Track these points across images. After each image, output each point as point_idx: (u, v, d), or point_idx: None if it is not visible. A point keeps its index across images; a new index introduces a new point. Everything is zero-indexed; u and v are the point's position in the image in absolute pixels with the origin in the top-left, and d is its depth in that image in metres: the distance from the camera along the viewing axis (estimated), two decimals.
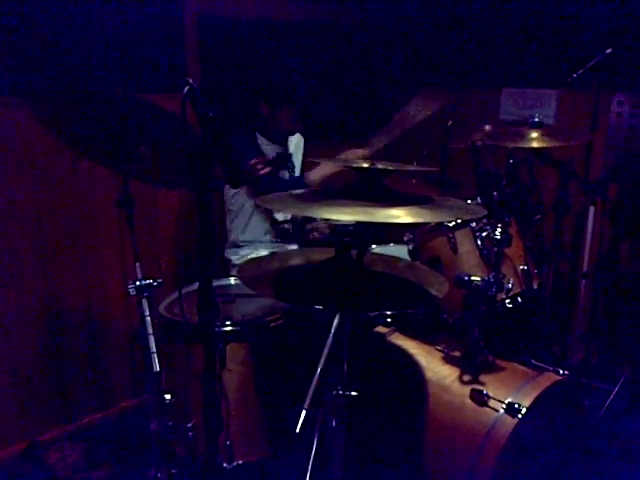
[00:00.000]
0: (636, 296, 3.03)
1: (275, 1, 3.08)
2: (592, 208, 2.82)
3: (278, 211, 2.50)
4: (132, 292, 1.80)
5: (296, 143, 2.76)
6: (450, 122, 2.87)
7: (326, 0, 3.32)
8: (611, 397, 2.78)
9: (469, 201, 2.15)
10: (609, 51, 2.35)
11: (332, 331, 1.36)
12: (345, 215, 1.50)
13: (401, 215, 1.44)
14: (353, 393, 1.51)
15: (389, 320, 2.23)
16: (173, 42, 2.70)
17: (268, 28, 3.05)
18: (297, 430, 1.22)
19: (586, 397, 2.84)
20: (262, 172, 2.33)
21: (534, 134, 2.33)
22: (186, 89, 1.14)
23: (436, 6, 3.55)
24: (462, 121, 2.79)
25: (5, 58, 2.22)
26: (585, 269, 2.91)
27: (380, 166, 1.51)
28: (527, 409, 1.73)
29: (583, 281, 2.94)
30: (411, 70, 3.77)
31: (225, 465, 2.03)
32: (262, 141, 2.59)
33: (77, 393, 2.71)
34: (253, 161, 2.34)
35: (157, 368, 1.82)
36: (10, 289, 2.42)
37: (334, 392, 1.49)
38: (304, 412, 1.24)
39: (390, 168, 1.52)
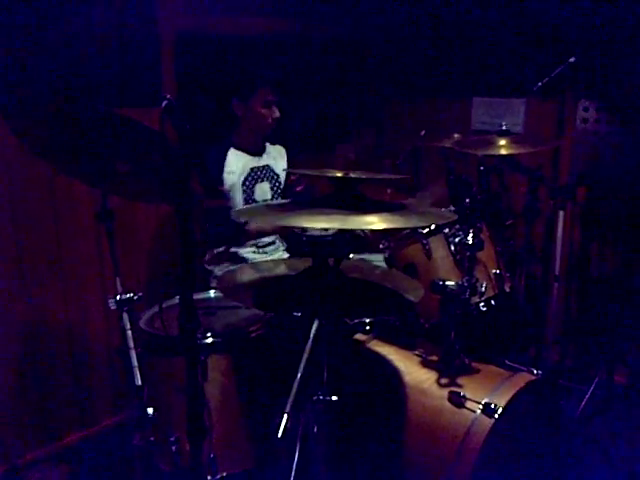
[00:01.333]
0: (607, 297, 3.11)
1: (250, 18, 3.13)
2: (562, 212, 2.90)
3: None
4: (112, 306, 1.81)
5: (278, 153, 2.78)
6: (423, 132, 2.95)
7: (300, 15, 3.37)
8: (586, 398, 2.85)
9: (443, 209, 2.21)
10: (572, 60, 2.44)
11: (311, 337, 1.39)
12: (322, 223, 1.54)
13: (375, 222, 1.49)
14: (333, 398, 1.54)
15: (367, 327, 2.27)
16: (150, 58, 2.73)
17: (243, 44, 3.10)
18: (279, 435, 1.24)
19: (562, 398, 2.91)
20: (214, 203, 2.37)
21: (502, 142, 2.40)
22: (164, 104, 1.17)
23: (408, 20, 3.64)
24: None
25: None
26: (557, 272, 2.98)
27: (353, 175, 1.56)
28: (503, 409, 1.78)
29: (555, 284, 3.01)
30: (385, 81, 3.84)
31: (209, 478, 2.04)
32: (236, 154, 2.60)
33: (58, 413, 2.68)
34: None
35: (139, 382, 1.83)
36: None
37: (315, 397, 1.51)
38: (286, 416, 1.26)
39: (363, 176, 1.57)
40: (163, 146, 1.20)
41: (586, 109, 2.79)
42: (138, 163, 1.73)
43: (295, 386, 1.32)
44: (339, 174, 1.56)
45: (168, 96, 1.18)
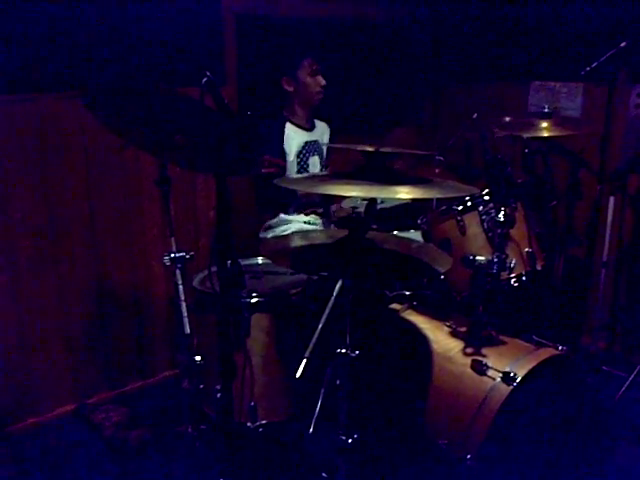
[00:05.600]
0: None
1: (310, 1, 3.28)
2: (612, 198, 2.90)
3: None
4: (167, 263, 2.03)
5: (322, 131, 2.94)
6: (475, 115, 3.00)
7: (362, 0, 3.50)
8: (626, 384, 2.85)
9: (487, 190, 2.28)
10: (624, 44, 2.43)
11: (334, 294, 1.53)
12: (354, 192, 1.68)
13: (401, 192, 1.62)
14: (355, 353, 1.68)
15: (405, 297, 2.39)
16: (213, 39, 2.94)
17: (301, 25, 3.25)
18: (297, 376, 1.40)
19: (604, 384, 2.92)
20: (264, 170, 2.53)
21: (544, 124, 2.44)
22: (204, 80, 1.33)
23: (465, 3, 3.67)
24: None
25: (59, 57, 2.49)
26: (605, 258, 2.98)
27: (384, 149, 1.69)
28: (522, 378, 1.87)
29: (603, 270, 3.01)
30: (441, 66, 3.90)
31: (249, 424, 2.24)
32: (293, 129, 2.79)
33: (122, 362, 2.97)
34: (267, 157, 2.54)
35: (188, 330, 2.04)
36: (64, 264, 2.69)
37: (338, 351, 1.67)
38: (305, 360, 1.42)
39: (393, 151, 1.69)
40: (203, 117, 1.37)
41: None
42: (193, 136, 1.91)
43: (315, 335, 1.48)
44: (370, 148, 1.69)
45: (208, 73, 1.35)
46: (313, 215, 2.81)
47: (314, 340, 1.46)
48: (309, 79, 2.71)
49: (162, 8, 2.73)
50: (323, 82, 2.72)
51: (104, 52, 2.60)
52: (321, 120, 2.96)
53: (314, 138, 2.86)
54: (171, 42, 2.78)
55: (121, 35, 2.63)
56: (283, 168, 2.69)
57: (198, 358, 2.09)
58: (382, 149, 1.67)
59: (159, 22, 2.73)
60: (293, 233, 2.20)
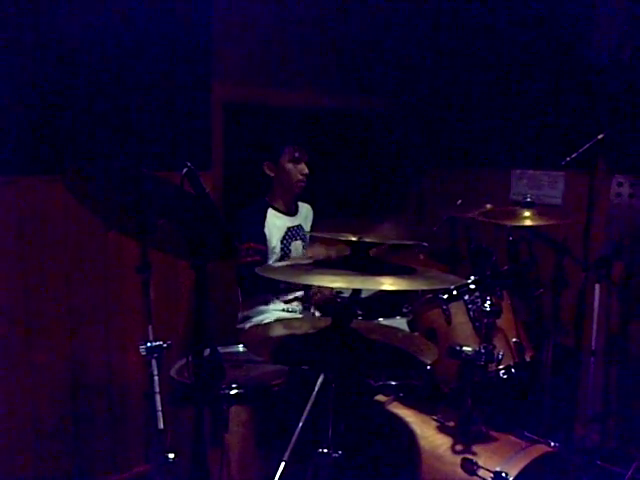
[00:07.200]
0: None
1: (297, 91, 3.38)
2: (597, 286, 2.88)
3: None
4: (143, 352, 1.94)
5: (305, 214, 2.92)
6: (459, 201, 3.03)
7: (345, 90, 3.61)
8: None
9: (472, 277, 2.26)
10: (601, 136, 2.49)
11: (315, 389, 1.46)
12: (337, 282, 1.64)
13: (385, 283, 1.58)
14: (338, 453, 1.58)
15: (391, 388, 2.30)
16: (200, 126, 2.98)
17: (288, 112, 3.33)
18: None
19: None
20: (249, 259, 2.48)
21: (527, 213, 2.46)
22: (185, 170, 1.32)
23: (448, 91, 3.81)
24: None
25: (41, 139, 2.49)
26: (594, 347, 2.93)
27: (367, 239, 1.66)
28: (514, 478, 1.77)
29: (592, 359, 2.95)
30: (423, 152, 3.99)
31: None
32: (275, 214, 2.76)
33: (91, 456, 2.79)
34: (251, 245, 2.51)
35: (161, 425, 1.92)
36: (37, 350, 2.58)
37: (319, 451, 1.57)
38: (283, 464, 1.33)
39: (376, 241, 1.67)
40: (182, 204, 1.35)
41: (620, 184, 2.81)
42: (176, 221, 1.89)
43: (295, 436, 1.39)
44: (353, 238, 1.66)
45: (188, 164, 1.34)
46: (295, 302, 2.75)
47: (293, 441, 1.37)
48: (290, 166, 2.68)
49: (152, 94, 2.78)
50: (305, 170, 2.70)
51: (90, 135, 2.61)
52: (304, 202, 2.94)
53: (297, 223, 2.83)
54: (159, 127, 2.82)
55: (110, 119, 2.66)
56: (265, 254, 2.65)
57: (171, 456, 1.96)
58: (365, 238, 1.64)
59: (148, 108, 2.77)
60: (275, 321, 2.14)
